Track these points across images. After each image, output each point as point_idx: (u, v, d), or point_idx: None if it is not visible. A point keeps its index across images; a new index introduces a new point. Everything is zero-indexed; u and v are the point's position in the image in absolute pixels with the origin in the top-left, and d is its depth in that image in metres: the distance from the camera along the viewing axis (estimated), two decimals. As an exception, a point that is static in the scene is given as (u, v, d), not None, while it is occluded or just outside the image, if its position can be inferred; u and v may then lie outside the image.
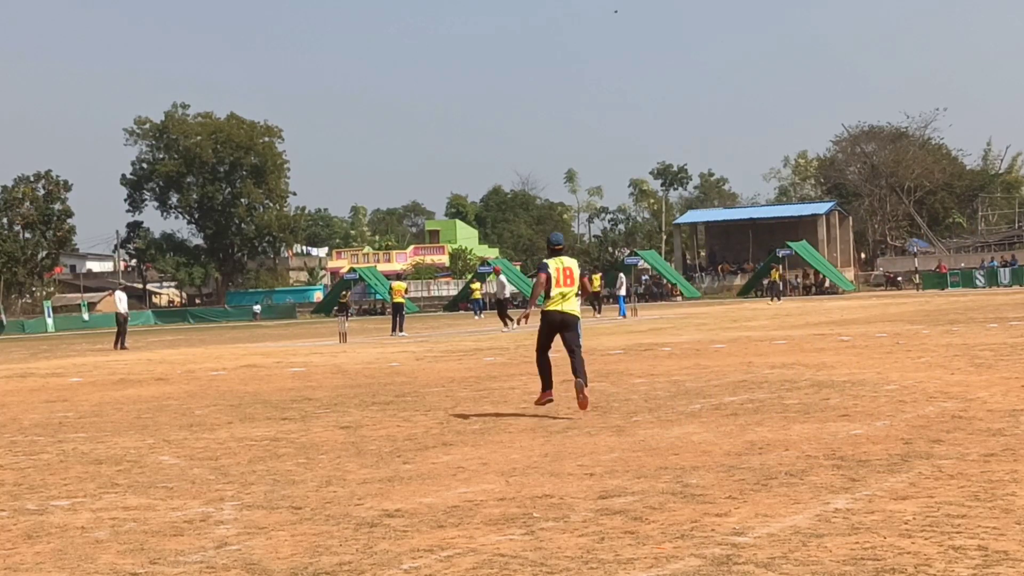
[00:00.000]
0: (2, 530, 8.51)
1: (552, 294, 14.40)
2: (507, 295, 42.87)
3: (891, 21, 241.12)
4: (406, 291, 47.56)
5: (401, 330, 42.25)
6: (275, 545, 7.56)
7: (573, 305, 14.51)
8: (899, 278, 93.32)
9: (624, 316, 51.60)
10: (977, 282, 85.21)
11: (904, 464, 9.53)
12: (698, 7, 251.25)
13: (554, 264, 14.51)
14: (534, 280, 14.98)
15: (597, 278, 59.37)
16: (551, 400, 14.56)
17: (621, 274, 60.32)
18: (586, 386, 14.11)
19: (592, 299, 57.59)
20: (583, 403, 14.04)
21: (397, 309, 44.18)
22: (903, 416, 12.58)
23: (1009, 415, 12.32)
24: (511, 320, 39.57)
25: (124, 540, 7.93)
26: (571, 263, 14.67)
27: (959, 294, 69.76)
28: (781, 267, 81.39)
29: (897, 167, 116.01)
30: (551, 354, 14.66)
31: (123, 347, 41.20)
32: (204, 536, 7.96)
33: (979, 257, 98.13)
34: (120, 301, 43.78)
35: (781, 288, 74.68)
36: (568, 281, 14.48)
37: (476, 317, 63.36)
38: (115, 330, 43.49)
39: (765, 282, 79.51)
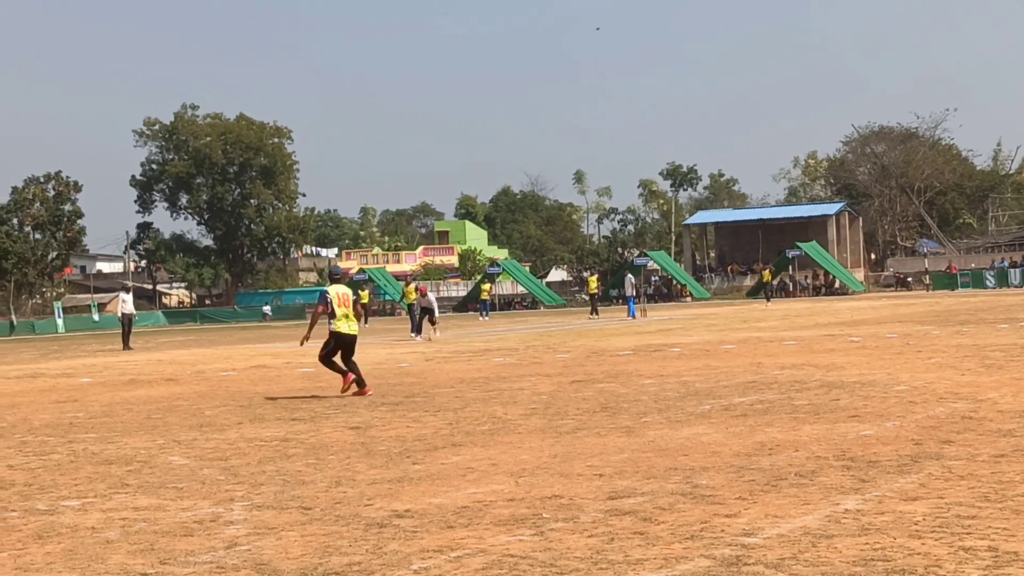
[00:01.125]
0: (13, 530, 8.53)
1: (338, 314, 17.99)
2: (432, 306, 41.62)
3: (900, 21, 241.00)
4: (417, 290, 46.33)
5: (419, 331, 40.25)
6: (285, 545, 7.57)
7: (354, 325, 18.21)
8: (909, 279, 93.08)
9: (633, 317, 51.50)
10: (987, 283, 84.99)
11: (914, 465, 9.53)
12: (706, 7, 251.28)
13: (333, 291, 18.23)
14: (315, 308, 18.79)
15: (594, 279, 59.08)
16: (354, 382, 17.92)
17: (629, 275, 60.18)
18: (354, 377, 17.87)
19: (590, 300, 57.47)
20: (346, 388, 17.92)
21: (413, 310, 42.27)
22: (913, 417, 12.57)
23: (1019, 416, 12.31)
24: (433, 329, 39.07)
25: (134, 540, 7.94)
26: (346, 290, 18.50)
27: (969, 295, 69.63)
28: (771, 269, 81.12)
29: (907, 167, 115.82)
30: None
31: (127, 347, 41.31)
32: (214, 536, 7.97)
33: (989, 258, 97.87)
34: (124, 302, 44.00)
35: (774, 290, 74.55)
36: (346, 303, 18.16)
37: (482, 318, 63.34)
38: (121, 331, 43.81)
39: (775, 283, 79.51)
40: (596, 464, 10.27)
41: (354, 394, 17.85)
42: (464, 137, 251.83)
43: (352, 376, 17.96)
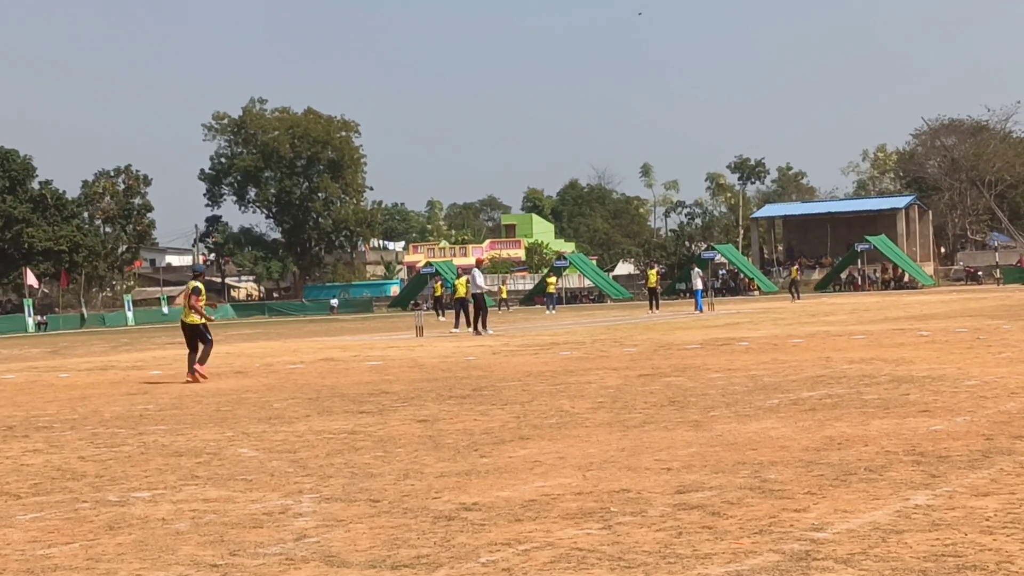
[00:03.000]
0: (84, 521, 8.61)
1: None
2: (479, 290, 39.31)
3: (970, 10, 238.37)
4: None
5: (476, 327, 38.03)
6: (353, 538, 7.60)
7: (192, 316, 21.86)
8: (979, 273, 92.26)
9: (700, 311, 51.31)
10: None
11: (985, 460, 9.43)
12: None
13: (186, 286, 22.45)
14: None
15: (653, 273, 58.68)
16: (192, 380, 21.23)
17: (696, 268, 59.94)
18: (200, 367, 21.56)
19: (649, 294, 57.16)
20: (193, 377, 21.35)
21: (462, 304, 40.65)
22: (984, 412, 12.44)
23: (1093, 411, 12.16)
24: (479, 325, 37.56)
25: (204, 532, 8.00)
26: (192, 285, 22.29)
27: (1041, 289, 68.87)
28: (799, 267, 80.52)
29: (977, 160, 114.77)
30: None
31: None
32: (283, 528, 8.02)
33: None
34: None
35: (799, 286, 73.58)
36: (186, 296, 22.37)
37: (549, 311, 63.31)
38: None
39: (843, 276, 78.84)
40: (664, 458, 10.25)
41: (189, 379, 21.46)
42: (531, 131, 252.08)
43: (194, 377, 21.37)
